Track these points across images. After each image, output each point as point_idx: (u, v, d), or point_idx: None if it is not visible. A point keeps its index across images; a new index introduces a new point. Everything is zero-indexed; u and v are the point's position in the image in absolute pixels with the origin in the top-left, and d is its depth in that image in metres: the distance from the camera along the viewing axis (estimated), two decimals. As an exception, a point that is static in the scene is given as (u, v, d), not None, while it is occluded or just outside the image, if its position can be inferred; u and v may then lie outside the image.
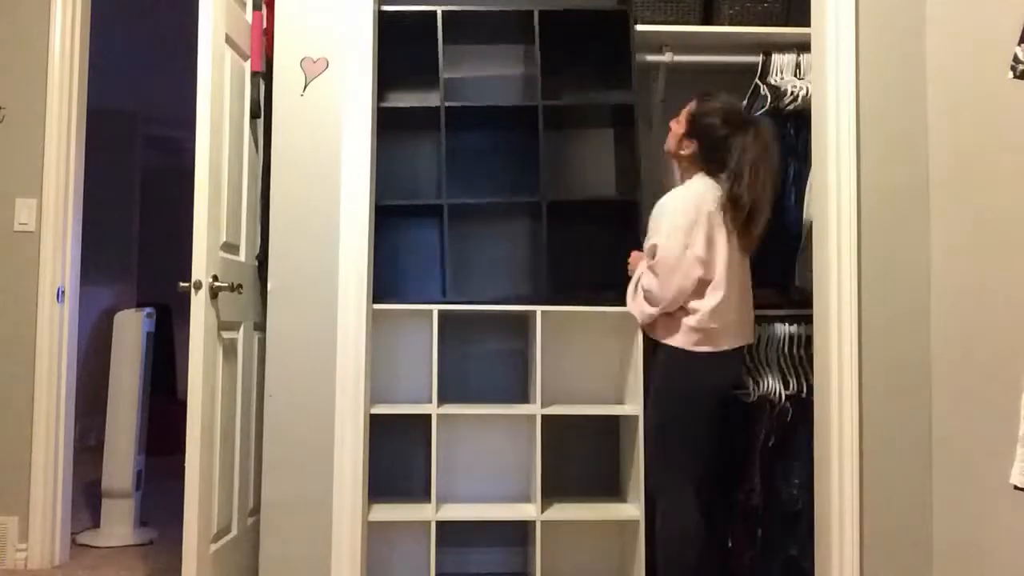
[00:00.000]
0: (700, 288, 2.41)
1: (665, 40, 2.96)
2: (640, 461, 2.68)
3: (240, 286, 2.43)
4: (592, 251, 3.08)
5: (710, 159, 2.49)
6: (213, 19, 2.27)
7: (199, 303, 2.22)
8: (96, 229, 3.80)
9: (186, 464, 2.21)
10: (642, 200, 2.78)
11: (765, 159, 2.43)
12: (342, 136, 2.50)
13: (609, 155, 3.15)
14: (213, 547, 2.34)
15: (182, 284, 2.22)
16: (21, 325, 2.95)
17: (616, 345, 3.00)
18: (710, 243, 2.40)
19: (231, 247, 2.49)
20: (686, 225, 2.41)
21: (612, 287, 3.00)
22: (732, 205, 2.41)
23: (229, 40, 2.42)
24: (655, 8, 2.94)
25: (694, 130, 2.51)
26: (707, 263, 2.39)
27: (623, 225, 2.95)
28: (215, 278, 2.29)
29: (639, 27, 2.88)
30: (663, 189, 2.61)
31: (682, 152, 2.54)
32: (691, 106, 2.55)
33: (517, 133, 3.09)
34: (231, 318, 2.47)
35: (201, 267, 2.23)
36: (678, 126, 2.55)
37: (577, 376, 2.99)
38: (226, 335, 2.44)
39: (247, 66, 2.61)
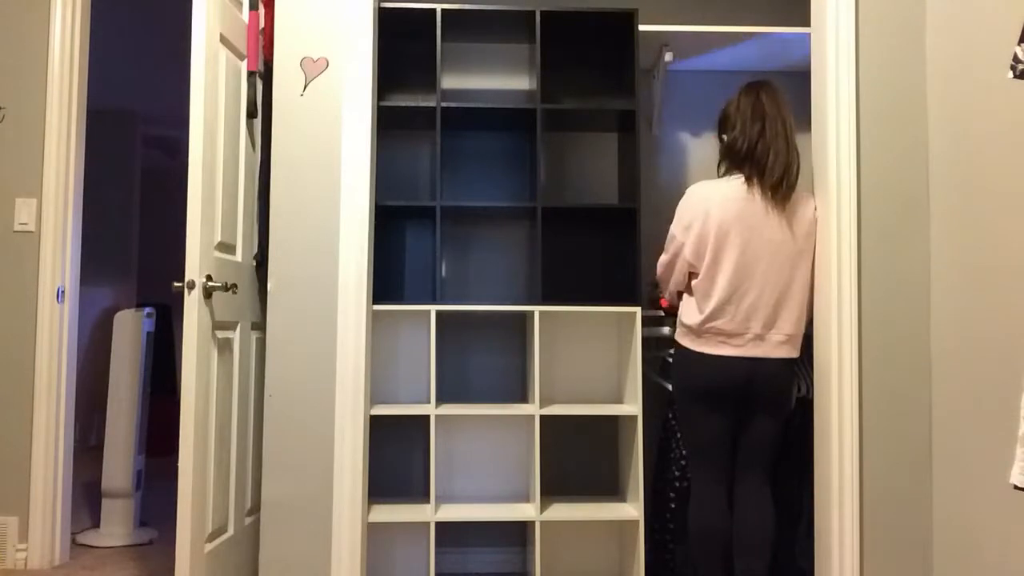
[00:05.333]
0: (704, 287, 2.38)
1: (665, 40, 2.96)
2: (640, 461, 2.68)
3: (235, 286, 2.43)
4: (589, 258, 3.09)
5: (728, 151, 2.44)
6: (207, 19, 2.27)
7: (192, 303, 2.22)
8: (96, 229, 3.82)
9: (179, 463, 2.21)
10: (640, 207, 2.77)
11: (760, 107, 2.37)
12: (342, 136, 2.50)
13: (611, 160, 3.15)
14: (208, 547, 2.34)
15: (176, 284, 2.22)
16: (21, 325, 2.96)
17: (614, 345, 3.00)
18: (700, 250, 2.37)
19: (227, 247, 2.49)
20: (684, 223, 2.42)
21: (608, 295, 3.01)
22: (730, 153, 2.40)
23: (224, 40, 2.41)
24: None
25: (719, 131, 2.51)
26: (700, 267, 2.38)
27: (622, 232, 2.94)
28: (209, 278, 2.29)
29: (640, 27, 2.87)
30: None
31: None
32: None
33: (517, 136, 3.09)
34: (227, 318, 2.46)
35: (195, 267, 2.23)
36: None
37: (575, 376, 3.00)
38: (221, 335, 2.44)
39: (243, 66, 2.61)
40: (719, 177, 2.46)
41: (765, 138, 2.34)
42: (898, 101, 2.38)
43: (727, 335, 2.34)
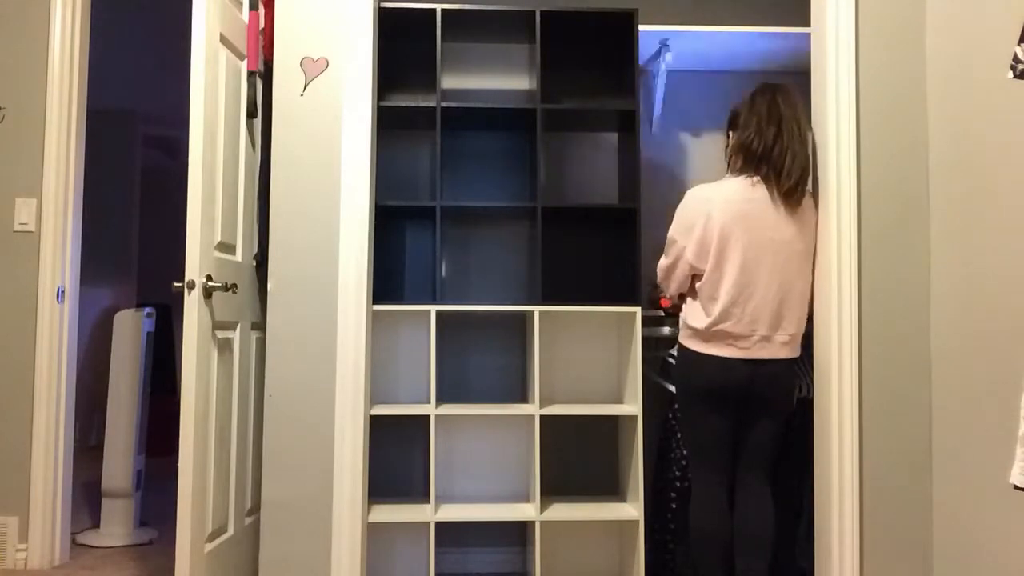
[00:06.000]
0: (709, 290, 2.36)
1: (665, 40, 2.96)
2: (640, 461, 2.68)
3: (235, 286, 2.43)
4: (589, 258, 3.08)
5: (739, 149, 2.41)
6: (207, 19, 2.27)
7: (192, 303, 2.22)
8: (96, 229, 3.81)
9: (179, 463, 2.21)
10: (640, 207, 2.77)
11: (776, 109, 2.33)
12: (342, 136, 2.50)
13: (611, 160, 3.14)
14: (208, 547, 2.34)
15: (176, 284, 2.22)
16: (21, 325, 2.95)
17: (615, 345, 3.00)
18: (703, 253, 2.35)
19: (227, 247, 2.49)
20: (685, 226, 2.41)
21: (608, 295, 3.01)
22: (744, 153, 2.36)
23: (224, 40, 2.41)
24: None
25: (729, 130, 2.49)
26: (704, 270, 2.36)
27: (622, 232, 2.94)
28: (209, 278, 2.29)
29: (640, 27, 2.87)
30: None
31: (727, 150, 2.50)
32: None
33: (517, 136, 3.09)
34: (227, 318, 2.46)
35: (194, 267, 2.23)
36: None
37: (576, 376, 3.00)
38: (221, 335, 2.43)
39: (243, 66, 2.61)
40: (729, 174, 2.45)
41: (782, 141, 2.31)
42: (898, 101, 2.38)
43: (734, 337, 2.33)
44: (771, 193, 2.32)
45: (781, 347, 2.34)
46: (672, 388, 2.82)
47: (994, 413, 2.02)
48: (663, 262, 2.51)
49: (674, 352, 2.82)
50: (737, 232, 2.32)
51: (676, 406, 2.81)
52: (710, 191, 2.41)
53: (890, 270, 2.35)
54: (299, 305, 2.47)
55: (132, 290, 5.71)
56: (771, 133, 2.33)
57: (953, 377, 2.23)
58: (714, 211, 2.35)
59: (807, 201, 2.38)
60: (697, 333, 2.38)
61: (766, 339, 2.33)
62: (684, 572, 2.73)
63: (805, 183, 2.34)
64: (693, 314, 2.41)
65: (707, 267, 2.36)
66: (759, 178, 2.35)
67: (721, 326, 2.33)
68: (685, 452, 2.72)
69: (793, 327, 2.35)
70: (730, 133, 2.48)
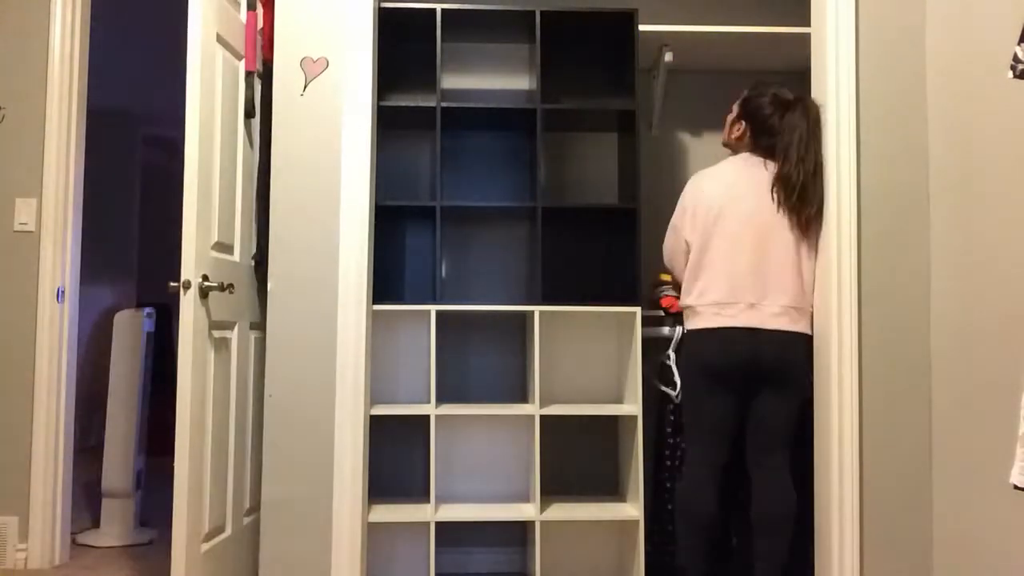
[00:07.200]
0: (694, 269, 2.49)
1: (665, 40, 2.96)
2: (640, 461, 2.68)
3: (231, 286, 2.42)
4: (589, 258, 3.09)
5: (759, 142, 2.50)
6: (203, 18, 2.27)
7: (188, 303, 2.21)
8: (96, 229, 3.81)
9: (175, 462, 2.21)
10: (640, 207, 2.77)
11: (816, 135, 2.40)
12: (342, 136, 2.50)
13: (611, 160, 3.14)
14: (205, 546, 2.33)
15: (172, 284, 2.22)
16: (21, 325, 2.95)
17: (614, 345, 3.00)
18: (695, 229, 2.47)
19: (224, 247, 2.48)
20: (682, 207, 2.54)
21: (608, 295, 3.01)
22: (782, 185, 2.39)
23: (221, 39, 2.41)
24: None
25: (745, 113, 2.54)
26: (693, 245, 2.48)
27: (622, 232, 2.94)
28: (205, 278, 2.28)
29: (640, 27, 2.87)
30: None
31: (734, 136, 2.57)
32: (744, 93, 2.58)
33: (517, 136, 3.09)
34: (224, 317, 2.46)
35: (190, 267, 2.22)
36: (730, 114, 2.60)
37: (575, 376, 3.00)
38: (218, 334, 2.43)
39: (241, 65, 2.61)
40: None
41: (814, 178, 2.40)
42: (898, 101, 2.38)
43: (720, 306, 2.39)
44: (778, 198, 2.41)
45: (773, 317, 2.36)
46: (670, 391, 2.82)
47: (994, 413, 2.02)
48: (667, 243, 2.61)
49: (671, 355, 2.82)
50: (727, 206, 2.42)
51: (671, 407, 2.81)
52: (706, 173, 2.55)
53: (890, 270, 2.35)
54: (299, 305, 2.47)
55: (132, 290, 5.71)
56: (811, 172, 2.38)
57: (953, 377, 2.23)
58: (706, 186, 2.48)
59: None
60: (692, 312, 2.46)
61: (753, 307, 2.37)
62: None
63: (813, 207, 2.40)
64: (686, 293, 2.49)
65: (697, 241, 2.45)
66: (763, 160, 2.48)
67: (709, 296, 2.41)
68: (679, 453, 2.73)
69: (785, 297, 2.37)
70: (742, 122, 2.55)
